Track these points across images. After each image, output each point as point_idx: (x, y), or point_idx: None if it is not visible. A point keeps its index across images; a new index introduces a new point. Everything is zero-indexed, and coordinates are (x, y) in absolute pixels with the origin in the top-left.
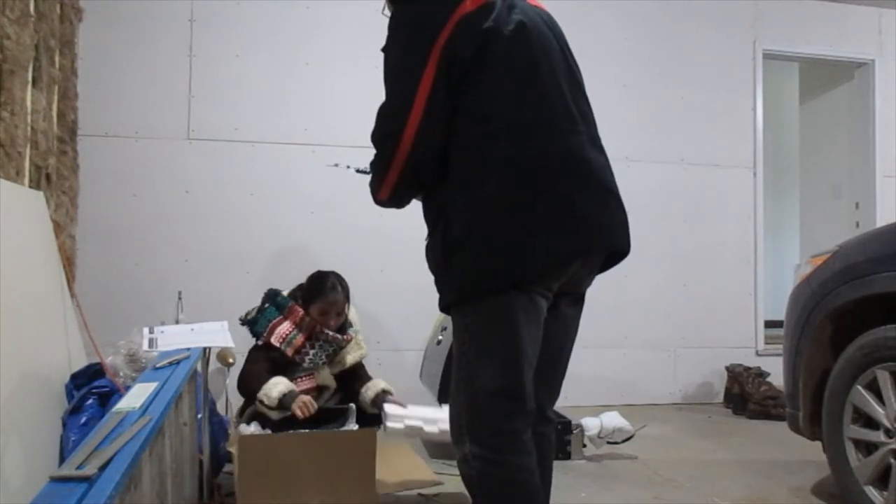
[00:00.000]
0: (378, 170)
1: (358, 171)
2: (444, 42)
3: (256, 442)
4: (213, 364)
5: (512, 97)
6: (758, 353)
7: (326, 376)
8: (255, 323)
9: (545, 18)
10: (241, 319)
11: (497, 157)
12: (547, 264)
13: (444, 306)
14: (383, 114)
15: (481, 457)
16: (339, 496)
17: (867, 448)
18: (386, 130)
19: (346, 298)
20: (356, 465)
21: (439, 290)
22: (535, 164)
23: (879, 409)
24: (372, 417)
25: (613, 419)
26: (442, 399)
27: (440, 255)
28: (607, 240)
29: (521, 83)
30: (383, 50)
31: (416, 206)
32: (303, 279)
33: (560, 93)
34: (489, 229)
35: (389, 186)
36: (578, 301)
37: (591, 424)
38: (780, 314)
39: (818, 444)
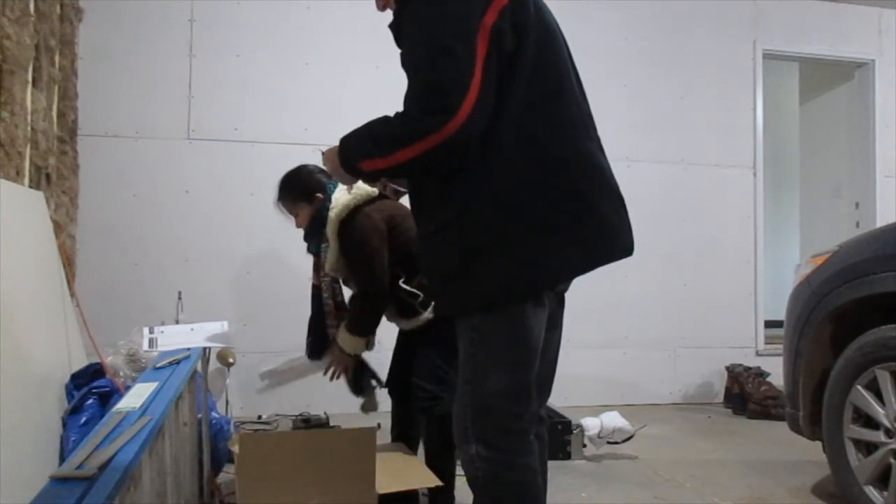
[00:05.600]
0: (387, 143)
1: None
2: (490, 26)
3: (256, 441)
4: (213, 364)
5: (540, 101)
6: (758, 353)
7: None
8: None
9: (555, 20)
10: None
11: (524, 163)
12: (572, 273)
13: (457, 311)
14: (433, 87)
15: (488, 458)
16: (339, 495)
17: (867, 448)
18: (436, 105)
19: (287, 196)
20: (356, 464)
21: (447, 294)
22: (560, 171)
23: (879, 409)
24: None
25: (613, 419)
26: None
27: (455, 259)
28: (623, 247)
29: (549, 90)
30: (390, 26)
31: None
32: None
33: (576, 98)
34: (516, 237)
35: (392, 163)
36: (562, 299)
37: (591, 424)
38: (780, 314)
39: (818, 444)
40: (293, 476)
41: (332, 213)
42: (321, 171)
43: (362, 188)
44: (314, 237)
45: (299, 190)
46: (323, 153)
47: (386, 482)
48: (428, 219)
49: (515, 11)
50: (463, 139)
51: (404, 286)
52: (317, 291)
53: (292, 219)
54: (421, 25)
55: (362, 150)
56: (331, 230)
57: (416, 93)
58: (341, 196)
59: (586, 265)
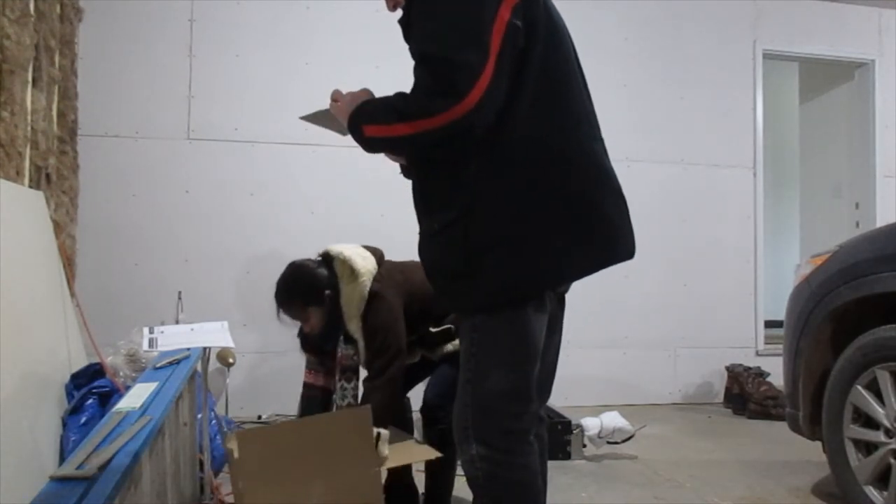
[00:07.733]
0: (392, 113)
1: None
2: (506, 21)
3: (253, 436)
4: (213, 364)
5: (547, 100)
6: (758, 353)
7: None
8: None
9: (562, 19)
10: None
11: (530, 162)
12: (575, 275)
13: (459, 310)
14: (443, 69)
15: (489, 458)
16: (342, 477)
17: (867, 448)
18: (445, 87)
19: (290, 298)
20: (355, 444)
21: (450, 293)
22: (565, 172)
23: (879, 409)
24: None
25: (613, 419)
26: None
27: (459, 258)
28: (628, 249)
29: (556, 89)
30: (400, 22)
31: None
32: None
33: (582, 99)
34: (521, 237)
35: (390, 133)
36: (562, 301)
37: (591, 424)
38: (780, 314)
39: (818, 444)
40: (294, 465)
41: (352, 310)
42: (313, 261)
43: (361, 266)
44: (332, 337)
45: (306, 294)
46: (335, 94)
47: (389, 460)
48: (432, 217)
49: (527, 8)
50: (466, 125)
51: (434, 330)
52: (316, 393)
53: (296, 325)
54: (434, 15)
55: (371, 113)
56: (355, 327)
57: (426, 74)
58: (349, 286)
59: (590, 267)
